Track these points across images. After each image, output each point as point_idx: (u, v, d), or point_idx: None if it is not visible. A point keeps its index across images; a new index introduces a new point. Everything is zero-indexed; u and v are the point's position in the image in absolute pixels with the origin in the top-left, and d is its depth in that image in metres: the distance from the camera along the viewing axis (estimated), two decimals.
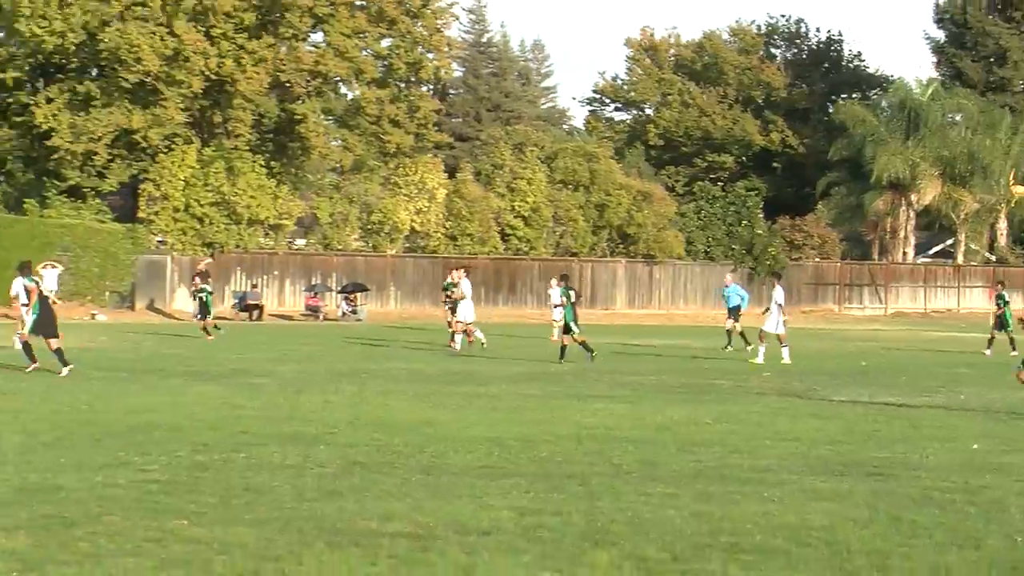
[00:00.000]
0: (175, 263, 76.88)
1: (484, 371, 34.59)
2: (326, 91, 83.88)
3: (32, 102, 78.67)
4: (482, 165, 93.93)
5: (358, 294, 76.11)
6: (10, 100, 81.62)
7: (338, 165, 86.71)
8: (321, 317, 74.71)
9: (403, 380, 30.89)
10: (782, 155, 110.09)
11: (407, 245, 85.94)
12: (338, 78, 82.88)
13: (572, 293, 39.96)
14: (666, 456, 18.02)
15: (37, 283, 32.47)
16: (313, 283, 78.88)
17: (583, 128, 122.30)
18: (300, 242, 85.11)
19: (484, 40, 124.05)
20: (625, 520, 13.13)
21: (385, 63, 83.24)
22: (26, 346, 32.02)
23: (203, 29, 76.16)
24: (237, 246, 78.73)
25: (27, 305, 32.55)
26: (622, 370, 36.16)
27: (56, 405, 22.98)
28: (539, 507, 13.76)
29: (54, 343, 31.21)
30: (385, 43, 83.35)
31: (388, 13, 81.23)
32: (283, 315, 75.92)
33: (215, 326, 50.67)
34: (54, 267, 62.26)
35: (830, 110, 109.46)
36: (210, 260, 75.10)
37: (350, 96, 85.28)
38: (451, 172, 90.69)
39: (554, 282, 47.73)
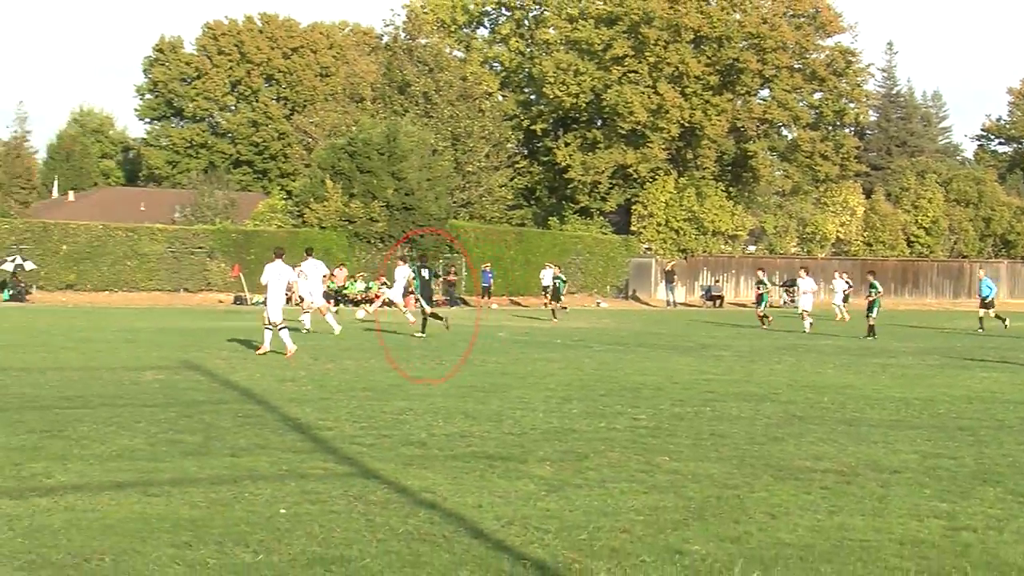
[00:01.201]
0: (658, 264, 77.49)
1: (894, 346, 33.56)
2: (771, 133, 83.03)
3: (554, 146, 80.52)
4: (892, 188, 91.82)
5: (795, 287, 75.12)
6: (539, 145, 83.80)
7: (780, 189, 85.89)
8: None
9: (830, 353, 30.17)
10: None
11: (833, 250, 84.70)
12: (780, 123, 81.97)
13: (878, 288, 39.58)
14: None
15: (417, 270, 34.72)
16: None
17: (972, 158, 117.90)
18: (751, 248, 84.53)
19: (894, 92, 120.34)
20: (1007, 464, 12.69)
21: (817, 111, 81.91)
22: (433, 315, 34.18)
23: (679, 89, 76.34)
24: (704, 251, 78.80)
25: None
26: (1004, 347, 34.51)
27: (572, 370, 23.24)
28: (938, 452, 13.39)
29: (428, 309, 34.07)
30: (817, 96, 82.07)
31: (819, 73, 79.89)
32: (739, 304, 75.53)
33: (563, 308, 50.62)
34: (550, 268, 63.72)
35: None
36: (677, 261, 75.67)
37: (789, 137, 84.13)
38: (867, 194, 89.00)
39: (841, 276, 47.72)
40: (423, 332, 33.53)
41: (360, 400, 17.37)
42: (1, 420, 14.49)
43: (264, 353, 25.60)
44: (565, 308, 50.95)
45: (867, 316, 38.93)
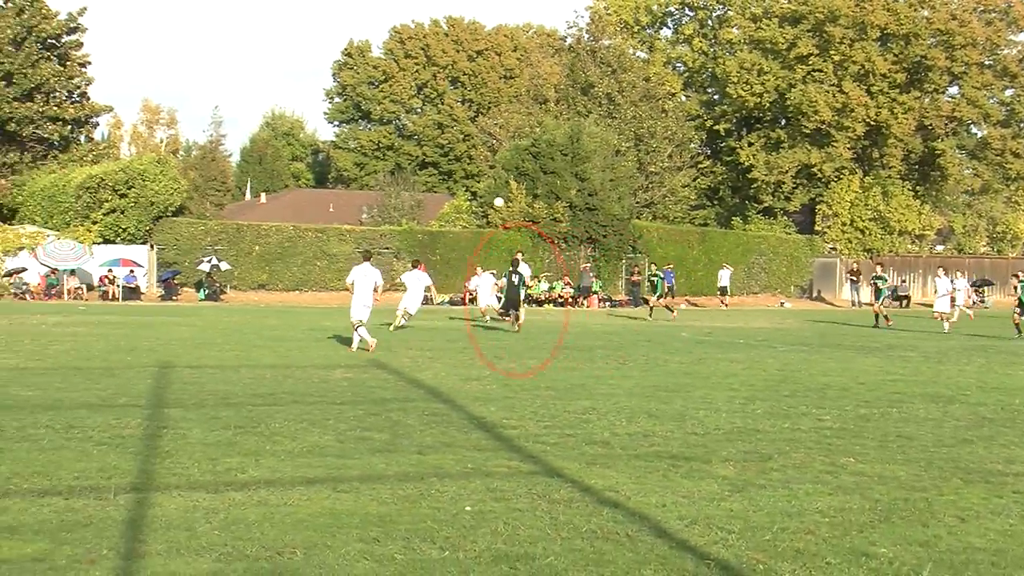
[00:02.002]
0: (842, 264, 76.32)
1: None
2: (960, 131, 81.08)
3: (737, 146, 79.83)
4: None
5: (985, 287, 73.28)
6: (722, 145, 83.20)
7: (969, 188, 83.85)
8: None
9: (1022, 354, 29.17)
10: None
11: None
12: (970, 121, 79.98)
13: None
14: None
15: (509, 274, 36.55)
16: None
17: None
18: (939, 248, 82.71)
19: None
20: None
21: (1008, 108, 79.69)
22: (496, 317, 37.13)
23: (864, 87, 75.05)
24: (890, 251, 77.30)
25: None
26: None
27: (756, 371, 23.04)
28: None
29: (497, 308, 37.41)
30: (1008, 92, 79.84)
31: (1011, 69, 77.74)
32: (926, 304, 73.91)
33: (655, 306, 49.82)
34: (727, 268, 63.12)
35: None
36: (861, 261, 74.38)
37: (979, 134, 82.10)
38: None
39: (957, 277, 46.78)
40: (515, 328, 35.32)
41: (544, 399, 17.45)
42: (198, 416, 14.90)
43: (359, 350, 26.27)
44: (668, 309, 49.66)
45: (1015, 314, 38.14)
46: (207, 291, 57.72)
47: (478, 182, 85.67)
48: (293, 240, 61.88)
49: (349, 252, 61.86)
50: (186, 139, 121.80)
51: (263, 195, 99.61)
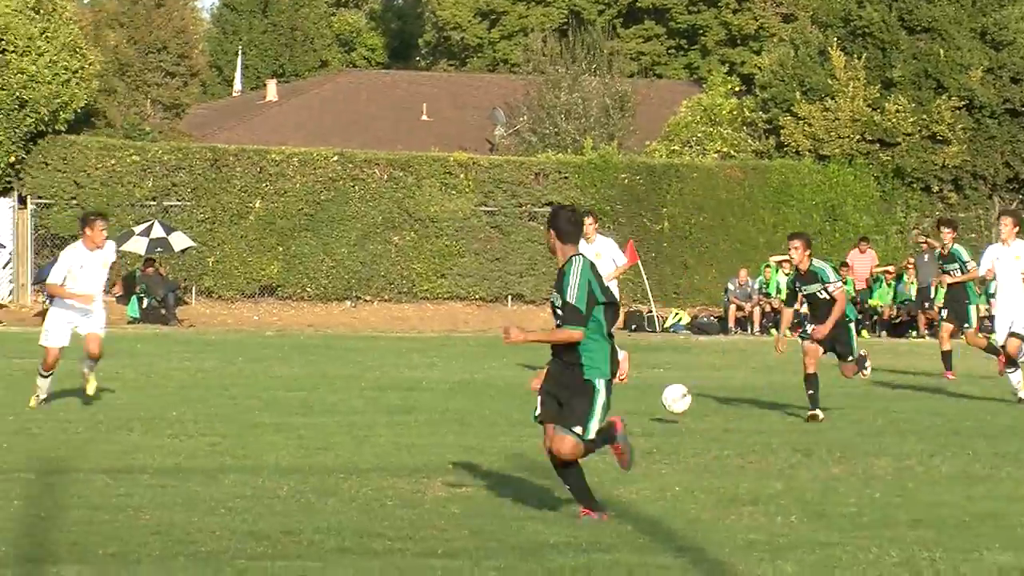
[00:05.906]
0: None
1: None
2: None
3: None
4: None
5: None
6: None
7: None
8: None
9: None
10: None
11: None
12: None
13: None
14: None
15: None
16: None
17: None
18: None
19: None
20: None
21: None
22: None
23: None
24: None
25: None
26: None
27: None
28: None
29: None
30: None
31: None
32: None
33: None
34: None
35: None
36: None
37: None
38: None
39: None
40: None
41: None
42: None
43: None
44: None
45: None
46: (146, 300, 52.57)
47: (756, 53, 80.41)
48: (338, 186, 56.91)
49: (467, 212, 57.24)
50: None
51: (272, 83, 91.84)
